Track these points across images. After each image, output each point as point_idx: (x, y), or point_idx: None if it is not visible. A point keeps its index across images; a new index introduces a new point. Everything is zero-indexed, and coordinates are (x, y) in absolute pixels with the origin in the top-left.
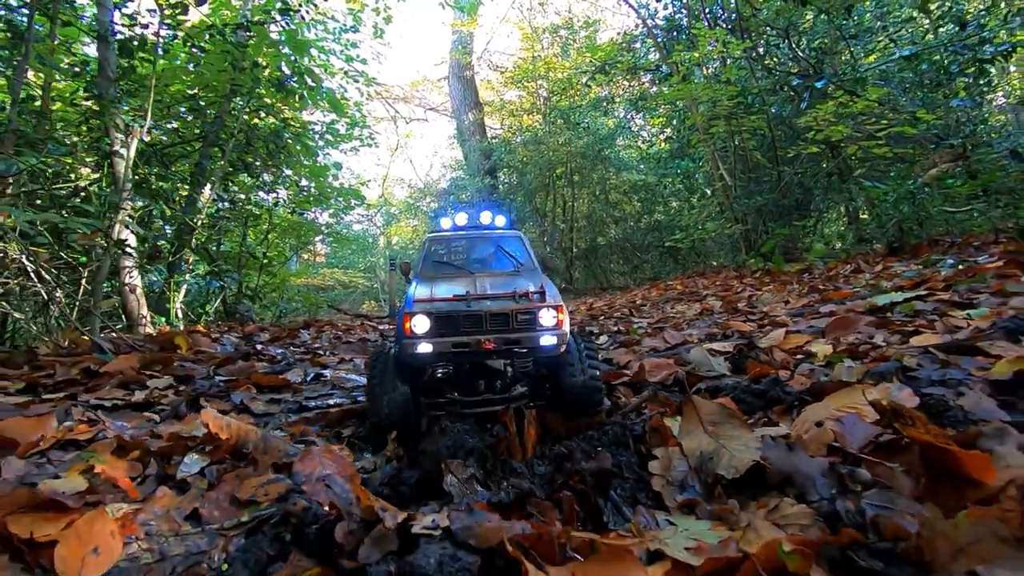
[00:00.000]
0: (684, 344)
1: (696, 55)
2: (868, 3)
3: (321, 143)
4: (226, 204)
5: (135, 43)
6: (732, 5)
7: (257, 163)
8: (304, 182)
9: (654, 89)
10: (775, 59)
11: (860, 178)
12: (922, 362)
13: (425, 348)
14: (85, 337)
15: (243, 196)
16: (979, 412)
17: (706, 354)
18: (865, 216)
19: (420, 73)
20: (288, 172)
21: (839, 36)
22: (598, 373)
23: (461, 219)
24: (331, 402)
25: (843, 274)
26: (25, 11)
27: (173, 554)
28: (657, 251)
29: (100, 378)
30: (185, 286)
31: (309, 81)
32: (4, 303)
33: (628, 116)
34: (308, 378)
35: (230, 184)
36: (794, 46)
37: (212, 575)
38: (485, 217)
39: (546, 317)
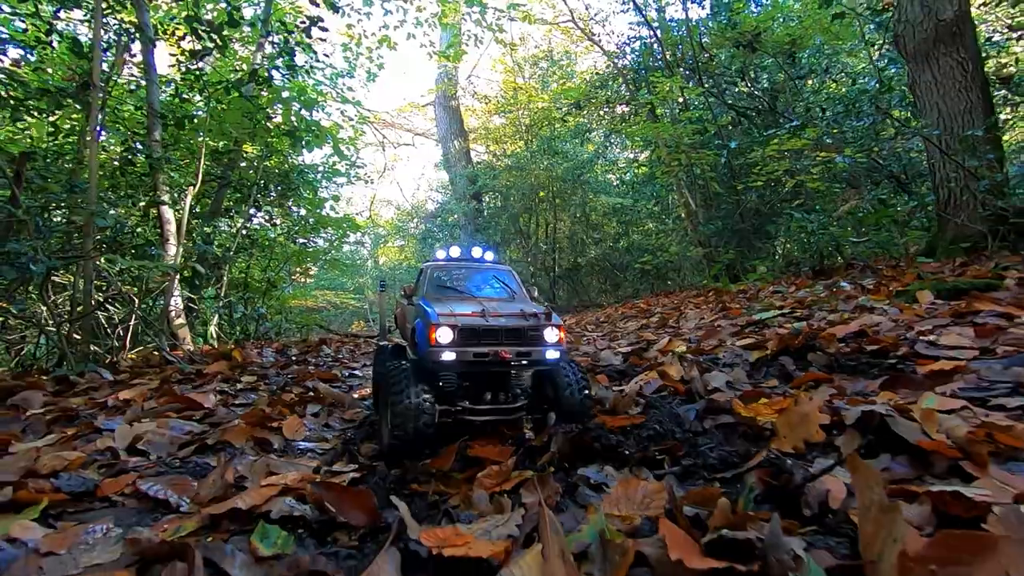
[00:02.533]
0: (606, 348)
1: (657, 98)
2: (810, 46)
3: (321, 179)
4: (244, 238)
5: (185, 119)
6: (692, 50)
7: (265, 200)
8: (303, 212)
9: (630, 115)
10: (733, 97)
11: (793, 210)
12: (727, 354)
13: (449, 356)
14: (155, 353)
15: (255, 227)
16: (734, 378)
17: (611, 353)
18: (799, 242)
19: (406, 100)
20: (289, 203)
21: (788, 77)
22: (590, 393)
23: (455, 251)
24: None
25: (765, 295)
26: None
27: (324, 434)
28: (635, 271)
29: (204, 377)
30: (218, 311)
31: (314, 129)
32: (78, 329)
33: (605, 142)
34: (346, 375)
35: (248, 219)
36: (750, 85)
37: (345, 438)
38: (476, 251)
39: (550, 334)
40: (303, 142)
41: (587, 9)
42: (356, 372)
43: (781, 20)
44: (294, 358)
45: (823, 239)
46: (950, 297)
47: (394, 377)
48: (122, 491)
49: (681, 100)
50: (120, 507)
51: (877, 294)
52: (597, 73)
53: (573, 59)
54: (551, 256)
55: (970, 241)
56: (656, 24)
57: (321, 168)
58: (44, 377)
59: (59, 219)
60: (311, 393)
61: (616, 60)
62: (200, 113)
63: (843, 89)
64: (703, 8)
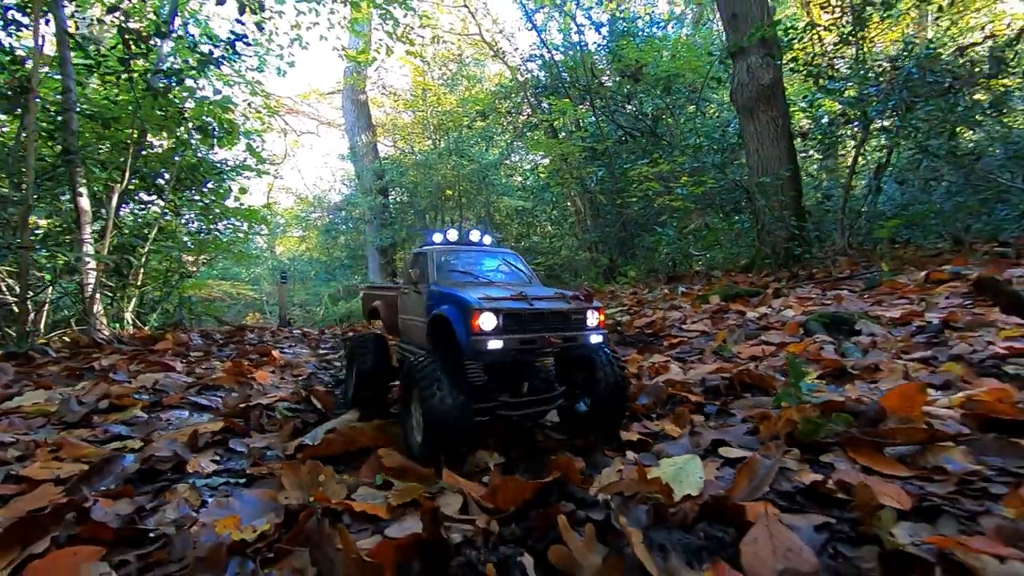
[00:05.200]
0: None
1: (552, 117)
2: (684, 82)
3: (232, 173)
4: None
5: (111, 120)
6: (585, 74)
7: (171, 190)
8: (207, 202)
9: (532, 127)
10: (624, 117)
11: (657, 224)
12: None
13: (496, 344)
14: (83, 337)
15: (156, 213)
16: None
17: None
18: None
19: (311, 86)
20: (191, 192)
21: (666, 105)
22: (623, 374)
23: (452, 235)
24: (303, 356)
25: (625, 294)
26: None
27: (286, 383)
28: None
29: (156, 352)
30: (134, 298)
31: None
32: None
33: (508, 148)
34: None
35: (145, 207)
36: (636, 109)
37: (302, 383)
38: (475, 235)
39: (591, 318)
40: (215, 137)
41: (495, 24)
42: (285, 349)
43: (660, 56)
44: (221, 340)
45: (674, 251)
46: (730, 300)
47: (424, 375)
48: (179, 401)
49: (574, 119)
50: (181, 409)
51: (688, 297)
52: (502, 85)
53: (482, 64)
54: None
55: (771, 259)
56: (555, 46)
57: (230, 162)
58: None
59: None
60: (264, 358)
61: (519, 75)
62: (114, 107)
63: (710, 118)
64: (599, 33)
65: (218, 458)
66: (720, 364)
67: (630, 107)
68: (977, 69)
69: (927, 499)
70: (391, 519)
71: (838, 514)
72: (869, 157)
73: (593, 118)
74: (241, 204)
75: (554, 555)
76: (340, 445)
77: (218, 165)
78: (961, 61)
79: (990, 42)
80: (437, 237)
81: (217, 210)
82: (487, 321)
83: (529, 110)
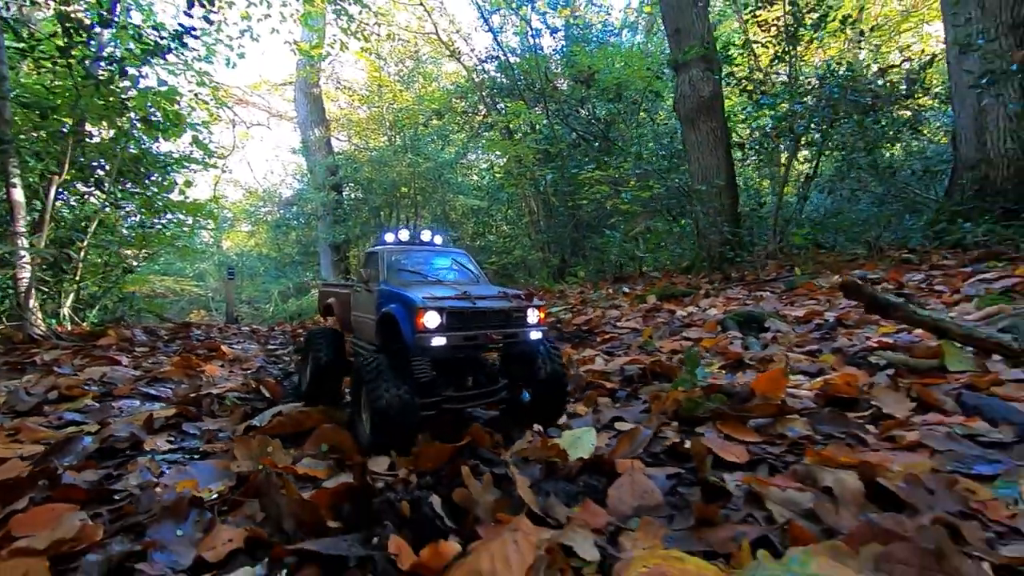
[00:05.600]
0: None
1: (507, 119)
2: (634, 88)
3: (176, 166)
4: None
5: (49, 109)
6: (540, 78)
7: (110, 182)
8: (150, 195)
9: (488, 127)
10: (578, 121)
11: (606, 227)
12: None
13: (439, 341)
14: (17, 332)
15: (95, 205)
16: None
17: None
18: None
19: (262, 77)
20: (128, 184)
21: (618, 111)
22: (561, 366)
23: (404, 235)
24: (251, 351)
25: (572, 293)
26: None
27: (235, 376)
28: (487, 270)
29: (100, 347)
30: (72, 293)
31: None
32: None
33: (464, 148)
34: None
35: (83, 198)
36: (589, 113)
37: (251, 375)
38: (426, 235)
39: (532, 316)
40: (160, 128)
41: (451, 23)
42: (234, 345)
43: (612, 63)
44: (167, 337)
45: (622, 252)
46: (665, 299)
47: (370, 372)
48: (129, 392)
49: (529, 121)
50: (132, 399)
51: (628, 296)
52: (458, 84)
53: (439, 63)
54: None
55: (708, 262)
56: (510, 49)
57: (175, 154)
58: None
59: None
60: (213, 353)
61: (475, 76)
62: (51, 95)
63: (659, 124)
64: (555, 37)
65: (173, 439)
66: (639, 356)
67: (583, 112)
68: (896, 89)
69: (761, 455)
70: (330, 478)
71: (689, 466)
72: (801, 168)
73: (547, 121)
74: (186, 197)
75: (457, 495)
76: (288, 427)
77: (162, 157)
78: (881, 81)
79: (907, 64)
80: (389, 237)
81: (160, 203)
82: (431, 319)
83: (485, 110)
